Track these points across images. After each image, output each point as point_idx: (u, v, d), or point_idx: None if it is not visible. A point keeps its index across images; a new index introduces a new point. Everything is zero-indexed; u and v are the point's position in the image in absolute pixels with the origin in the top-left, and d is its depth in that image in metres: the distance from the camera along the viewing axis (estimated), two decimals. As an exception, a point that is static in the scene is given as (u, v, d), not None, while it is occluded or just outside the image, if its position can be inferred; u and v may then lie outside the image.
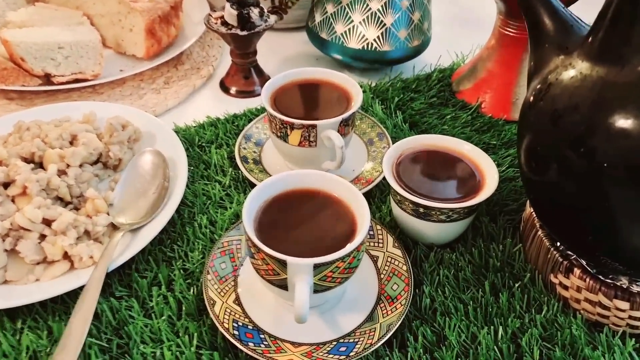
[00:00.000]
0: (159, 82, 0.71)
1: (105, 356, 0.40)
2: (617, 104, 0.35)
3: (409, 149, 0.50)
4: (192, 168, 0.56)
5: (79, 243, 0.46)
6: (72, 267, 0.46)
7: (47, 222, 0.46)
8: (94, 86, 0.69)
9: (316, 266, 0.37)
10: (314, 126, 0.50)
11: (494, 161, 0.49)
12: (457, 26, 0.88)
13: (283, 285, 0.39)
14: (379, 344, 0.40)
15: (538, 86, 0.42)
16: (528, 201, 0.49)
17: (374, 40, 0.68)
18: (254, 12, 0.64)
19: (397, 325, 0.41)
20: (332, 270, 0.38)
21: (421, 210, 0.45)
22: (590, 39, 0.39)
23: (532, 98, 0.42)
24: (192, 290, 0.45)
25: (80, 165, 0.52)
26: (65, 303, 0.44)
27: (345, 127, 0.51)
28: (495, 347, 0.41)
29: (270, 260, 0.38)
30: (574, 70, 0.39)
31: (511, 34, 0.63)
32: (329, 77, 0.56)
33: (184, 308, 0.43)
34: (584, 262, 0.43)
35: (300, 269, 0.37)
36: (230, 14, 0.64)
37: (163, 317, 0.43)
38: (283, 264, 0.37)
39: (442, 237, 0.48)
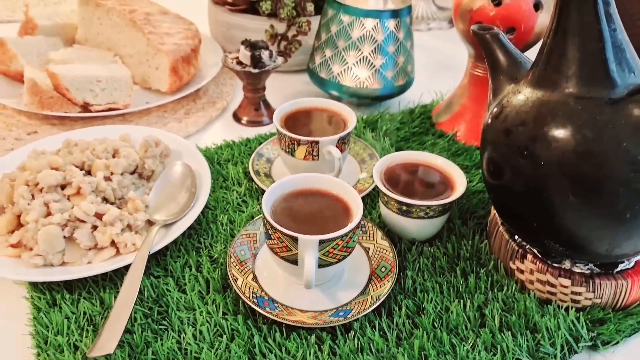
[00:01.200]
0: (180, 112, 0.83)
1: (147, 320, 0.50)
2: (550, 117, 0.47)
3: (395, 161, 0.61)
4: (213, 180, 0.67)
5: (124, 233, 0.55)
6: (118, 252, 0.55)
7: (98, 216, 0.56)
8: (124, 115, 0.80)
9: (321, 242, 0.47)
10: (317, 142, 0.61)
11: (467, 179, 0.60)
12: (436, 71, 1.02)
13: (294, 260, 0.49)
14: (371, 309, 0.49)
15: (494, 110, 0.54)
16: (493, 206, 0.60)
17: (366, 79, 0.80)
18: (265, 54, 0.77)
19: (385, 296, 0.51)
20: (333, 247, 0.48)
21: (404, 208, 0.56)
22: (532, 70, 0.51)
23: (489, 119, 0.54)
24: (217, 272, 0.54)
25: (122, 174, 0.62)
26: (112, 280, 0.53)
27: (342, 144, 0.62)
28: (463, 314, 0.51)
29: (284, 238, 0.48)
30: (520, 94, 0.51)
31: (480, 74, 0.75)
32: (328, 105, 0.68)
33: (211, 285, 0.53)
34: (535, 251, 0.54)
35: (309, 244, 0.47)
36: (244, 55, 0.76)
37: (194, 292, 0.52)
38: (295, 240, 0.47)
39: (422, 233, 0.58)
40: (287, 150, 0.63)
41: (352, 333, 0.49)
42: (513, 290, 0.54)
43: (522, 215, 0.51)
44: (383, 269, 0.54)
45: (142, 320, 0.50)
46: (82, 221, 0.55)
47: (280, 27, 0.88)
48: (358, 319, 0.50)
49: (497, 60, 0.56)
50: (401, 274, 0.55)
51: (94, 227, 0.56)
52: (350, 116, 0.65)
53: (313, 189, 0.54)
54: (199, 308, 0.51)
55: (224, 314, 0.50)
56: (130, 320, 0.49)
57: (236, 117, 0.83)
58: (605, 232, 0.47)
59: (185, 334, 0.48)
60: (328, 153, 0.61)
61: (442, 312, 0.51)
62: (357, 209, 0.51)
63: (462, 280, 0.54)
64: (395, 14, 0.78)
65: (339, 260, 0.50)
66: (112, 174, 0.61)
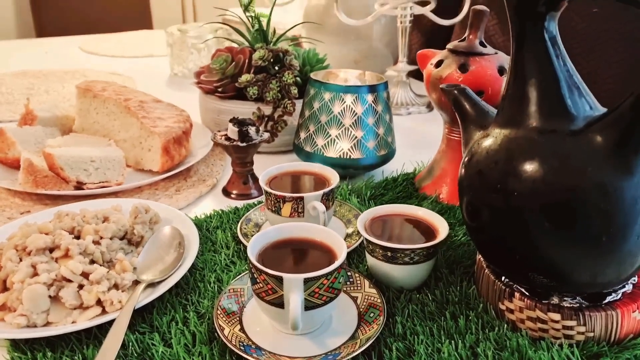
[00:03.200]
0: (171, 190, 0.85)
1: (131, 373, 0.48)
2: (518, 152, 0.50)
3: (378, 213, 0.63)
4: (202, 244, 0.68)
5: (110, 291, 0.55)
6: (104, 312, 0.55)
7: (85, 275, 0.56)
8: (116, 193, 0.83)
9: (306, 281, 0.48)
10: (301, 198, 0.63)
11: (452, 233, 0.62)
12: (417, 147, 1.06)
13: (280, 302, 0.49)
14: (360, 350, 0.49)
15: (466, 158, 0.56)
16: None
17: (348, 149, 0.84)
18: (252, 129, 0.81)
19: (374, 338, 0.50)
20: (319, 286, 0.48)
21: (389, 254, 0.57)
22: (498, 115, 0.55)
23: (463, 168, 0.56)
24: (203, 326, 0.54)
25: (111, 238, 0.63)
26: (97, 338, 0.52)
27: (326, 201, 0.64)
28: (455, 354, 0.50)
29: (270, 279, 0.48)
30: (489, 137, 0.54)
31: (456, 138, 0.79)
32: (312, 168, 0.71)
33: (197, 338, 0.52)
34: (522, 289, 0.54)
35: (294, 283, 0.48)
36: (232, 130, 0.80)
37: (180, 345, 0.51)
38: (280, 280, 0.48)
39: (409, 280, 0.58)
40: (273, 209, 0.65)
41: (341, 376, 0.48)
42: (504, 330, 0.53)
43: (505, 251, 0.52)
44: (372, 314, 0.54)
45: (125, 373, 0.48)
46: (69, 280, 0.55)
47: (267, 110, 0.94)
48: (347, 361, 0.49)
49: (465, 113, 0.60)
50: (390, 319, 0.55)
51: (80, 287, 0.56)
52: (333, 175, 0.68)
53: (298, 238, 0.56)
54: None
55: (210, 364, 0.49)
56: (114, 374, 0.48)
57: (226, 192, 0.85)
58: (586, 259, 0.48)
59: (170, 384, 0.47)
60: (313, 209, 0.63)
61: (434, 353, 0.50)
62: (341, 251, 0.51)
63: (452, 323, 0.54)
64: (372, 89, 0.84)
65: (326, 302, 0.50)
66: (101, 238, 0.62)
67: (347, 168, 0.86)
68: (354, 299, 0.57)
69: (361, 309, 0.55)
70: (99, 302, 0.55)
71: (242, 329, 0.53)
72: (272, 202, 0.64)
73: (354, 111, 0.83)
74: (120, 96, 0.91)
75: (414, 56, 1.61)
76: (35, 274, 0.55)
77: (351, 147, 0.84)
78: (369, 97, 0.84)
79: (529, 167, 0.48)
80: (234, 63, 0.99)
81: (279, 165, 0.70)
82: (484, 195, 0.52)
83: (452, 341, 0.52)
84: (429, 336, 0.52)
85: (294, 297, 0.47)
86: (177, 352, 0.50)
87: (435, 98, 0.78)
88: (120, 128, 0.91)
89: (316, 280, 0.48)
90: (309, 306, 0.49)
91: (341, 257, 0.50)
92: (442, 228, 0.60)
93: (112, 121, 0.92)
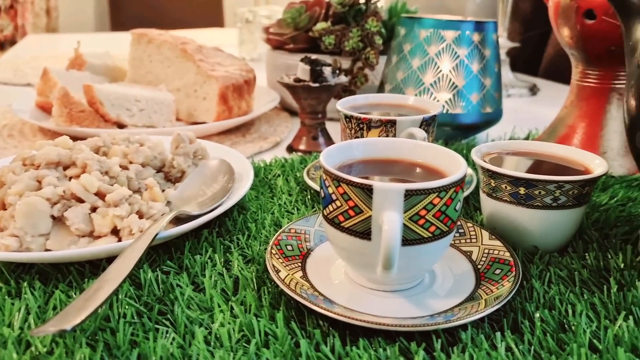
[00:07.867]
0: (226, 144, 0.71)
1: (142, 319, 0.33)
2: None
3: (497, 149, 0.46)
4: (258, 189, 0.53)
5: (130, 217, 0.41)
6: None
7: (102, 197, 0.42)
8: (162, 142, 0.70)
9: (408, 194, 0.31)
10: (393, 122, 0.46)
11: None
12: (524, 123, 0.87)
13: (365, 230, 0.32)
14: (488, 311, 0.31)
15: None
16: (645, 206, 0.42)
17: (446, 102, 0.67)
18: (327, 70, 0.66)
19: (507, 298, 0.32)
20: (427, 207, 0.32)
21: (522, 191, 0.39)
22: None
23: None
24: (252, 270, 0.38)
25: (143, 166, 0.49)
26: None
27: (425, 131, 0.48)
28: (638, 331, 0.31)
29: (352, 192, 0.32)
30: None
31: (592, 85, 0.61)
32: (405, 100, 0.54)
33: (240, 283, 0.36)
34: None
35: (389, 197, 0.31)
36: (303, 70, 0.66)
37: (216, 289, 0.36)
38: (368, 192, 0.31)
39: (549, 232, 0.40)
40: (354, 138, 0.49)
41: (459, 347, 0.30)
42: None
43: None
44: (498, 271, 0.36)
45: (133, 319, 0.33)
46: (80, 200, 0.41)
47: (346, 64, 0.79)
48: (467, 326, 0.31)
49: (631, 4, 0.43)
50: (525, 282, 0.37)
51: (94, 210, 0.41)
52: (433, 105, 0.51)
53: (393, 159, 0.39)
54: (219, 307, 0.34)
55: (255, 316, 0.33)
56: (115, 316, 0.33)
57: (291, 149, 0.70)
58: None
59: (194, 337, 0.31)
60: (409, 136, 0.46)
61: (600, 331, 0.32)
62: (460, 165, 0.35)
63: (625, 292, 0.35)
64: (479, 26, 0.67)
65: (433, 237, 0.33)
66: (130, 163, 0.48)
67: (442, 126, 0.69)
68: (468, 254, 0.39)
69: (480, 266, 0.38)
70: (114, 232, 0.41)
71: (304, 277, 0.36)
72: (352, 130, 0.48)
73: (455, 53, 0.67)
74: (177, 40, 0.79)
75: (512, 33, 1.39)
76: (40, 190, 0.42)
77: (450, 98, 0.67)
78: (475, 37, 0.67)
79: None
80: (307, 14, 0.85)
81: (365, 95, 0.55)
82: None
83: (631, 316, 0.33)
84: (589, 309, 0.34)
85: (390, 216, 0.31)
86: (211, 298, 0.35)
87: (567, 35, 0.60)
88: (174, 76, 0.79)
89: (424, 196, 0.31)
90: (409, 238, 0.32)
91: (460, 172, 0.33)
92: (595, 165, 0.42)
93: (165, 69, 0.80)
